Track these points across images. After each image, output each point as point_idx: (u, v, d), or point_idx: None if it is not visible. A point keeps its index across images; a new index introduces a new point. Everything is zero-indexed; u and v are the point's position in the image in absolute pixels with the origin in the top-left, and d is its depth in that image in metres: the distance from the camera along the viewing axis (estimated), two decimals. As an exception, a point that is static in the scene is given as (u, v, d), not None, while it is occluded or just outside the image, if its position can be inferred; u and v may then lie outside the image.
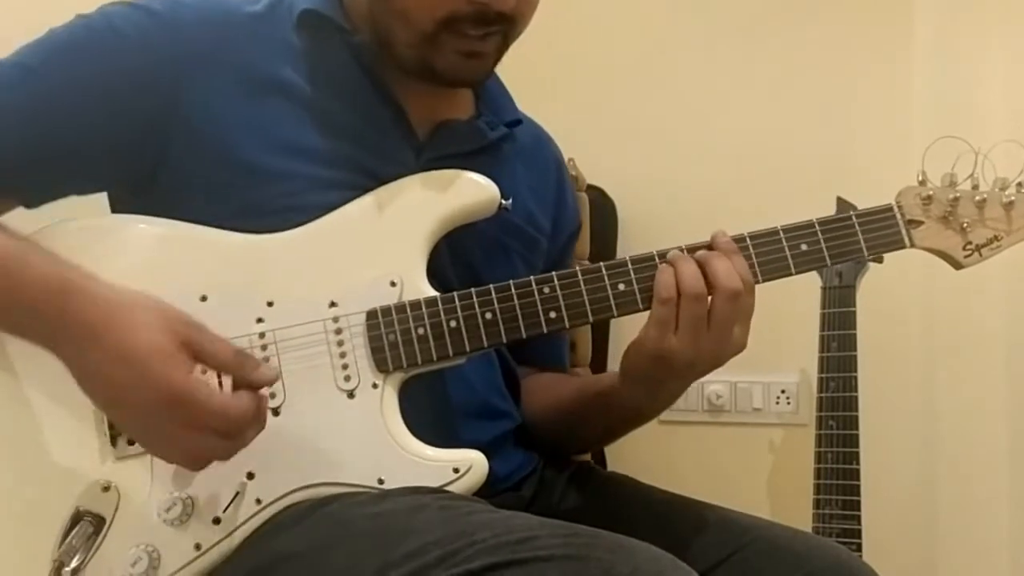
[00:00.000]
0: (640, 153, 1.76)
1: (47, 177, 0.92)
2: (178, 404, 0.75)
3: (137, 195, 0.95)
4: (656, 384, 0.96)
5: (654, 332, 0.90)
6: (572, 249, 1.23)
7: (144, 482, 0.84)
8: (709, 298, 0.89)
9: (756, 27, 1.73)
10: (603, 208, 1.69)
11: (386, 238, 0.92)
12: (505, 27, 0.95)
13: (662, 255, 0.92)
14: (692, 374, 0.93)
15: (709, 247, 0.93)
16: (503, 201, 0.94)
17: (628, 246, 1.70)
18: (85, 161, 0.93)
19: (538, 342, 1.11)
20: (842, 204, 1.49)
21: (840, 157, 1.67)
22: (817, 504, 1.46)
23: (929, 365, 1.64)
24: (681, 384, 0.97)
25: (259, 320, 0.89)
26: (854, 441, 1.45)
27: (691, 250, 0.92)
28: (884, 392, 1.59)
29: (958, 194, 0.96)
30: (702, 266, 0.90)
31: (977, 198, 0.95)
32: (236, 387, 0.79)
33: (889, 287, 1.52)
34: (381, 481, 0.86)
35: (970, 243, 0.95)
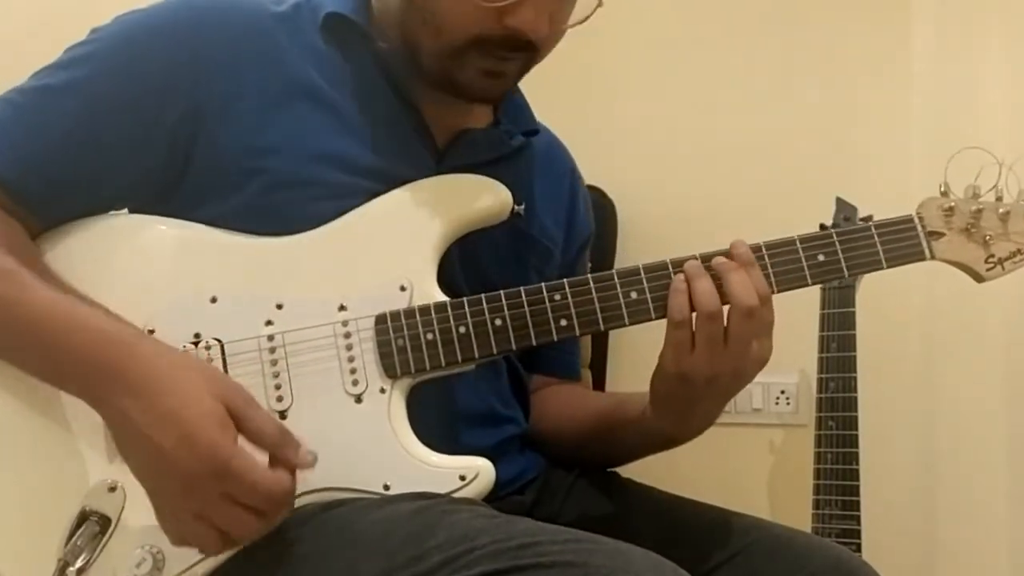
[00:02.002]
0: (639, 153, 1.76)
1: (70, 197, 0.91)
2: (222, 475, 0.74)
3: (155, 201, 0.94)
4: (683, 406, 0.94)
5: (671, 354, 0.89)
6: (584, 258, 1.21)
7: (150, 483, 0.85)
8: (725, 314, 0.88)
9: (755, 27, 1.73)
10: (602, 208, 1.69)
11: (397, 242, 0.91)
12: (530, 54, 0.96)
13: (676, 264, 0.90)
14: (715, 392, 0.91)
15: (726, 255, 0.91)
16: (515, 207, 0.93)
17: (627, 246, 1.71)
18: (113, 178, 0.92)
19: (550, 351, 1.11)
20: (841, 204, 1.50)
21: (839, 157, 1.67)
22: (817, 504, 1.46)
23: (928, 365, 1.65)
24: (709, 406, 0.95)
25: (268, 322, 0.88)
26: (853, 441, 1.46)
27: (706, 259, 0.90)
28: (883, 392, 1.60)
29: (981, 206, 0.94)
30: (717, 279, 0.88)
31: (1001, 210, 0.94)
32: (272, 464, 0.78)
33: (889, 288, 1.52)
34: (387, 487, 0.85)
35: (992, 256, 0.94)
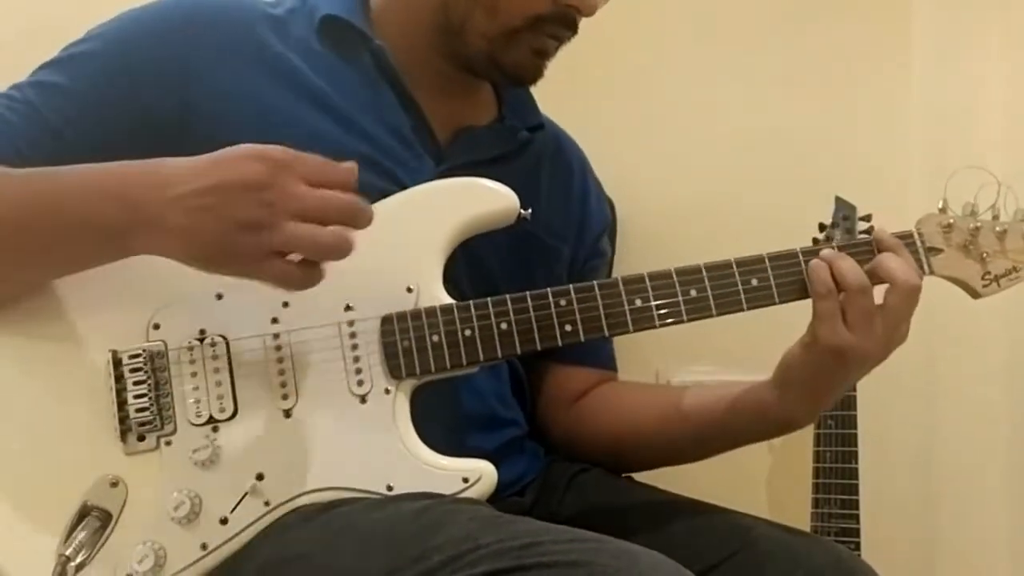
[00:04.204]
0: (639, 153, 1.75)
1: None
2: (291, 160, 0.75)
3: None
4: (825, 384, 0.93)
5: (826, 327, 0.89)
6: (604, 244, 1.20)
7: (153, 479, 0.84)
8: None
9: (755, 26, 1.72)
10: (601, 208, 1.70)
11: (403, 244, 0.91)
12: (573, 32, 0.98)
13: (680, 272, 0.92)
14: (860, 370, 0.92)
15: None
16: (522, 211, 0.92)
17: (627, 246, 1.70)
18: None
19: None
20: (840, 203, 1.50)
21: (839, 157, 1.67)
22: (816, 503, 1.46)
23: (928, 364, 1.64)
24: (844, 386, 0.96)
25: (274, 320, 0.88)
26: (853, 440, 1.46)
27: (739, 263, 0.92)
28: (883, 391, 1.59)
29: (979, 223, 0.96)
30: (875, 264, 0.91)
31: (998, 228, 0.96)
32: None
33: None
34: (390, 488, 0.86)
35: (989, 273, 0.96)
